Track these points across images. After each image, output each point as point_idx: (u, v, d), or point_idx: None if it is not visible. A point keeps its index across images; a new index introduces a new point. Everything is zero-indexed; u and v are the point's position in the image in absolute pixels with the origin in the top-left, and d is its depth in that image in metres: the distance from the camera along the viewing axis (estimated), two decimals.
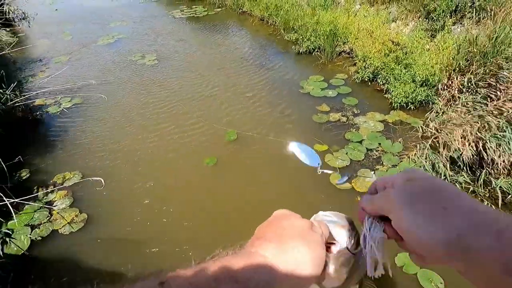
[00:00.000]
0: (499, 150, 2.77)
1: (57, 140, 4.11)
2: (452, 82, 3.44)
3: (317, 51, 5.78)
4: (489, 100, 3.11)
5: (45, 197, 3.23)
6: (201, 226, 2.89)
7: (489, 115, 2.87)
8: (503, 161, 2.76)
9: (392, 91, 4.13)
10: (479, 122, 2.84)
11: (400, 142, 3.48)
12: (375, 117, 4.00)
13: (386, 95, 4.26)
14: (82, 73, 5.94)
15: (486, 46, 3.24)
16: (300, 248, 0.42)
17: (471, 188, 2.89)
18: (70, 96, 5.09)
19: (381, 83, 4.50)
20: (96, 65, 6.30)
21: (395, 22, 5.31)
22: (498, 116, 2.85)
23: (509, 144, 2.73)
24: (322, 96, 4.63)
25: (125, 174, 3.52)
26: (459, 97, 3.36)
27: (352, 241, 0.49)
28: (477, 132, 2.82)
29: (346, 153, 3.48)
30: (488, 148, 2.77)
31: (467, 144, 2.80)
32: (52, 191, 3.29)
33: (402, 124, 3.83)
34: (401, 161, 3.26)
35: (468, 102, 3.12)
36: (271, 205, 2.82)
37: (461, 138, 2.85)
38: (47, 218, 3.03)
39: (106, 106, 4.80)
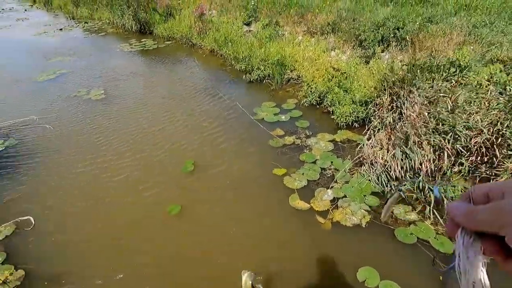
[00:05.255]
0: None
1: None
2: (383, 102, 3.84)
3: (267, 79, 6.09)
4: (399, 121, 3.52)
5: None
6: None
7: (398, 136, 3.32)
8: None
9: (336, 112, 4.48)
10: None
11: (349, 159, 3.73)
12: (325, 137, 4.26)
13: (332, 116, 4.59)
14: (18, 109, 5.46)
15: (405, 72, 3.73)
16: None
17: (414, 196, 3.17)
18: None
19: (327, 105, 4.85)
20: (32, 101, 5.85)
21: (334, 50, 5.88)
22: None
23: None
24: (275, 121, 4.83)
25: (73, 220, 3.21)
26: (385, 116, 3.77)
27: None
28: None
29: (303, 174, 3.61)
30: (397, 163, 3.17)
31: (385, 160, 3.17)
32: None
33: (349, 142, 4.13)
34: (352, 177, 3.48)
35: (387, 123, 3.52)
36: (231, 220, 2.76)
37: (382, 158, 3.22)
38: None
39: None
